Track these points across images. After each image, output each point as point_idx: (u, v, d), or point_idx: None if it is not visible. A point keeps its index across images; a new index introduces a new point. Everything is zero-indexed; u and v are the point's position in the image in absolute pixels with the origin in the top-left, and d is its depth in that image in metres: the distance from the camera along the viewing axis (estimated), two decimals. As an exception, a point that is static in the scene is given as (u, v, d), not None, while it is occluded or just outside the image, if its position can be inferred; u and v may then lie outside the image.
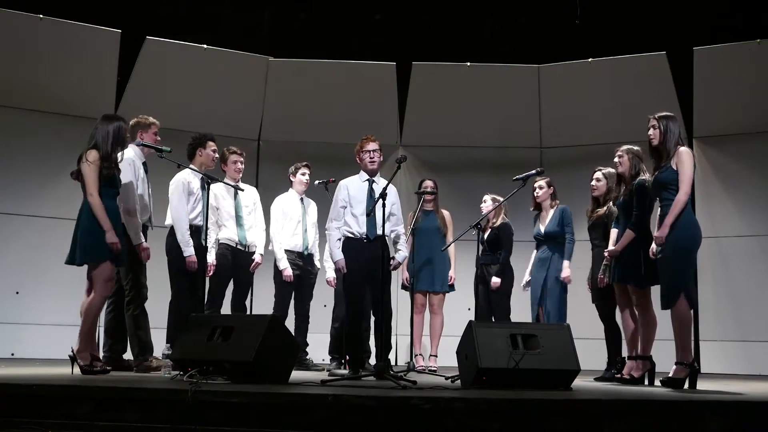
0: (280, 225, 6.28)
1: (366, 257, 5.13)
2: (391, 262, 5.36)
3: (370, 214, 5.07)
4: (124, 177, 4.93)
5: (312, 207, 6.50)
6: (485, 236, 6.31)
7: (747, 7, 7.84)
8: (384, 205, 4.88)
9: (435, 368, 6.09)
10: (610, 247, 5.18)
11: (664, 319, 4.79)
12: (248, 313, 6.68)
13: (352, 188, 5.37)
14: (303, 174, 6.42)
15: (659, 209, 4.67)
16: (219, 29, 8.43)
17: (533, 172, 5.56)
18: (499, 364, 4.01)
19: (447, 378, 4.81)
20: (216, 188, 5.67)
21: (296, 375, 4.58)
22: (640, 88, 7.82)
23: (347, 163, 5.99)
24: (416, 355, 6.32)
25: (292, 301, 6.30)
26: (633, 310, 5.13)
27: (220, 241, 5.80)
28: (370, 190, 5.33)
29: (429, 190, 6.39)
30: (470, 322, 4.25)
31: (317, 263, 6.44)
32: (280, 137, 8.33)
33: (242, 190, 5.86)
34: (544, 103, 8.37)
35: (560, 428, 3.19)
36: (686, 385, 4.44)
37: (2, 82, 7.28)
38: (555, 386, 4.09)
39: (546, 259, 6.01)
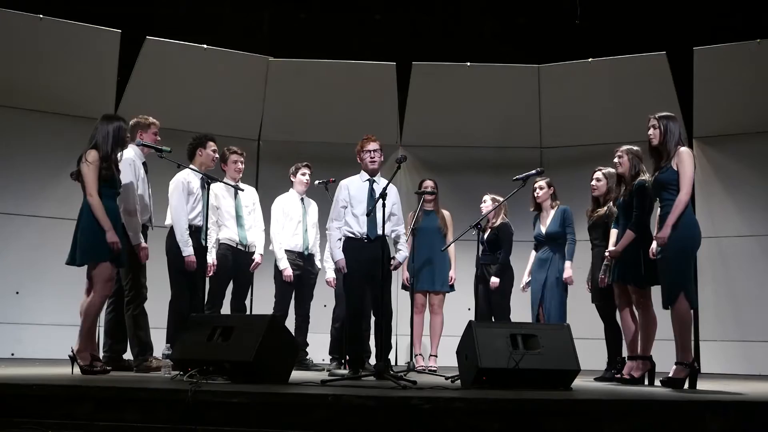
0: (281, 225, 6.28)
1: (366, 257, 5.13)
2: (392, 262, 5.35)
3: (371, 214, 5.07)
4: (124, 177, 4.93)
5: (313, 207, 6.50)
6: (485, 236, 6.31)
7: (747, 7, 7.84)
8: (384, 205, 4.88)
9: (435, 368, 6.09)
10: (610, 247, 5.18)
11: (664, 319, 4.79)
12: (248, 313, 6.68)
13: (353, 188, 5.37)
14: (303, 174, 6.42)
15: (659, 209, 4.67)
16: (219, 29, 8.44)
17: (533, 172, 5.56)
18: (499, 364, 4.01)
19: (447, 378, 4.82)
20: (216, 188, 5.67)
21: (296, 375, 4.58)
22: (640, 88, 7.83)
23: (347, 163, 5.99)
24: (416, 355, 6.32)
25: (293, 301, 6.30)
26: (633, 310, 5.13)
27: (221, 241, 5.80)
28: (371, 190, 5.33)
29: (429, 190, 6.39)
30: (470, 322, 4.25)
31: (318, 263, 6.44)
32: (280, 137, 8.33)
33: (242, 190, 5.86)
34: (544, 103, 8.37)
35: (560, 428, 3.18)
36: (686, 385, 4.44)
37: (2, 82, 7.28)
38: (555, 386, 4.09)
39: (546, 260, 6.01)
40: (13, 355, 6.92)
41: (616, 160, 5.17)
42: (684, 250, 4.51)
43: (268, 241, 6.21)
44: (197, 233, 5.40)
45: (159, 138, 5.45)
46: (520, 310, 6.45)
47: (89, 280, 4.69)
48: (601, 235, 5.58)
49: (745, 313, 7.47)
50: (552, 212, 6.07)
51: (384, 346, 5.07)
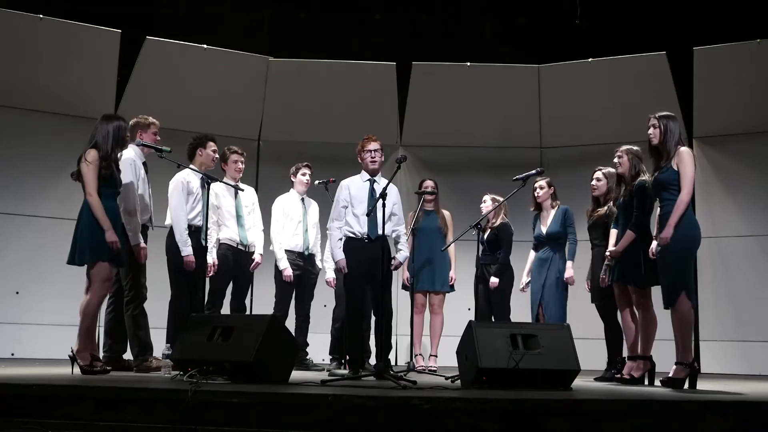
0: (281, 225, 6.28)
1: (367, 257, 5.13)
2: (392, 262, 5.35)
3: (371, 214, 5.06)
4: (125, 177, 4.93)
5: (313, 207, 6.49)
6: (485, 236, 6.31)
7: (747, 7, 7.84)
8: (384, 205, 4.88)
9: (435, 368, 6.09)
10: (610, 247, 5.18)
11: (664, 319, 4.79)
12: (248, 313, 6.68)
13: (354, 188, 5.37)
14: (303, 174, 6.42)
15: (659, 209, 4.67)
16: (219, 29, 8.43)
17: (533, 172, 5.56)
18: (499, 364, 4.01)
19: (447, 378, 4.81)
20: (217, 187, 5.67)
21: (296, 375, 4.58)
22: (640, 88, 7.83)
23: (347, 163, 5.99)
24: (416, 355, 6.32)
25: (293, 301, 6.30)
26: (633, 310, 5.13)
27: (221, 241, 5.79)
28: (372, 190, 5.33)
29: (429, 190, 6.39)
30: (470, 322, 4.25)
31: (318, 263, 6.44)
32: (280, 137, 8.33)
33: (242, 190, 5.86)
34: (544, 103, 8.37)
35: (560, 428, 3.18)
36: (686, 385, 4.44)
37: (2, 82, 7.28)
38: (555, 386, 4.10)
39: (547, 260, 6.01)
40: (13, 355, 6.92)
41: (616, 160, 5.17)
42: (685, 250, 4.51)
43: (267, 241, 6.21)
44: (197, 233, 5.40)
45: (159, 138, 5.45)
46: (520, 310, 6.45)
47: (89, 279, 4.69)
48: (601, 235, 5.58)
49: (745, 313, 7.47)
50: (552, 212, 6.07)
51: (384, 346, 5.07)
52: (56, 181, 7.10)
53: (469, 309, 6.61)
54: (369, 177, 5.40)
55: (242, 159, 6.00)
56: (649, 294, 4.97)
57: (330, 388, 3.71)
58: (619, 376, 5.13)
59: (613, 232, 5.28)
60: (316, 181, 6.52)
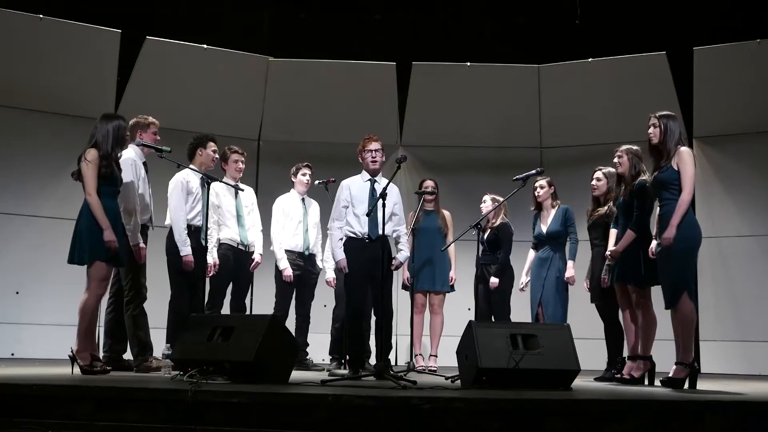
0: (281, 225, 6.29)
1: (367, 257, 5.13)
2: (393, 262, 5.35)
3: (370, 214, 5.06)
4: (125, 177, 4.93)
5: (314, 207, 6.49)
6: (485, 236, 6.31)
7: (747, 7, 7.84)
8: (384, 205, 4.88)
9: (435, 368, 6.09)
10: (611, 247, 5.18)
11: (664, 319, 4.79)
12: (248, 313, 6.68)
13: (354, 188, 5.37)
14: (304, 174, 6.42)
15: (658, 209, 4.67)
16: (219, 29, 8.43)
17: (533, 172, 5.56)
18: (499, 364, 4.01)
19: (447, 378, 4.81)
20: (217, 187, 5.67)
21: (296, 375, 4.58)
22: (640, 88, 7.83)
23: (347, 163, 5.99)
24: (416, 355, 6.32)
25: (293, 302, 6.30)
26: (634, 309, 5.13)
27: (222, 241, 5.78)
28: (372, 190, 5.33)
29: (429, 190, 6.39)
30: (470, 322, 4.25)
31: (319, 263, 6.44)
32: (280, 137, 8.33)
33: (242, 190, 5.86)
34: (544, 103, 8.37)
35: (560, 428, 3.18)
36: (686, 385, 4.44)
37: (2, 82, 7.28)
38: (555, 386, 4.10)
39: (547, 259, 6.01)
40: (13, 355, 6.92)
41: (615, 159, 5.17)
42: (686, 250, 4.51)
43: (267, 241, 6.21)
44: (197, 233, 5.39)
45: (159, 137, 5.45)
46: (520, 310, 6.45)
47: (88, 278, 4.69)
48: (601, 234, 5.58)
49: (745, 313, 7.47)
50: (553, 212, 6.07)
51: (384, 346, 5.07)
52: (56, 181, 7.11)
53: (469, 309, 6.61)
54: (370, 177, 5.40)
55: (243, 159, 6.00)
56: (649, 294, 4.97)
57: (330, 388, 3.71)
58: (619, 376, 5.13)
59: (613, 232, 5.28)
60: (316, 181, 6.52)
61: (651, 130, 4.67)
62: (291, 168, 6.51)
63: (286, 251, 6.21)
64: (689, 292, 4.47)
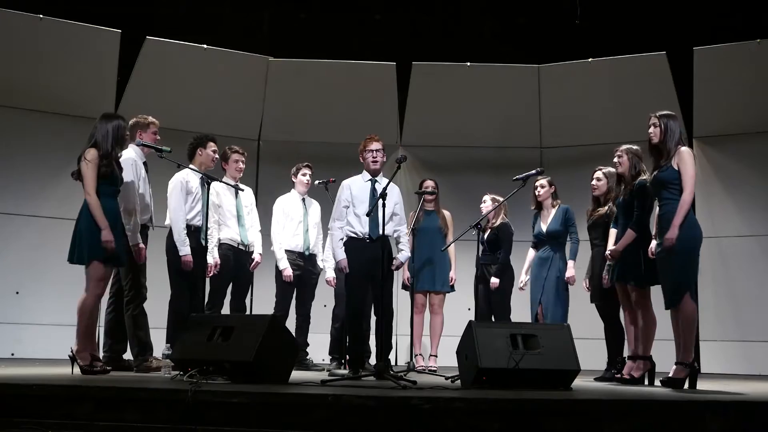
0: (281, 225, 6.29)
1: (368, 257, 5.13)
2: (394, 262, 5.35)
3: (370, 214, 5.06)
4: (126, 176, 4.93)
5: (314, 207, 6.49)
6: (485, 236, 6.31)
7: (747, 7, 7.84)
8: (384, 205, 4.88)
9: (435, 368, 6.09)
10: (610, 247, 5.18)
11: (664, 319, 4.79)
12: (248, 313, 6.68)
13: (355, 188, 5.37)
14: (304, 174, 6.42)
15: (658, 208, 4.67)
16: (219, 29, 8.43)
17: (533, 172, 5.57)
18: (499, 364, 4.01)
19: (447, 378, 4.81)
20: (217, 186, 5.67)
21: (296, 375, 4.58)
22: (640, 88, 7.83)
23: (347, 163, 5.99)
24: (416, 355, 6.32)
25: (294, 301, 6.30)
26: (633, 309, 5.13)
27: (222, 241, 5.77)
28: (373, 190, 5.33)
29: (430, 190, 6.39)
30: (470, 322, 4.25)
31: (319, 263, 6.44)
32: (280, 137, 8.33)
33: (242, 190, 5.86)
34: (544, 103, 8.37)
35: (560, 428, 3.18)
36: (686, 385, 4.44)
37: (2, 82, 7.28)
38: (555, 386, 4.09)
39: (547, 259, 6.00)
40: (13, 355, 6.92)
41: (615, 159, 5.17)
42: (688, 251, 4.51)
43: (266, 241, 6.21)
44: (196, 233, 5.39)
45: (159, 137, 5.45)
46: (520, 310, 6.45)
47: (87, 278, 4.68)
48: (601, 234, 5.58)
49: (745, 313, 7.48)
50: (553, 211, 6.07)
51: (384, 346, 5.07)
52: (56, 181, 7.11)
53: (469, 309, 6.61)
54: (370, 177, 5.40)
55: (243, 159, 6.00)
56: (649, 294, 4.98)
57: (330, 388, 3.71)
58: (619, 376, 5.13)
59: (613, 232, 5.28)
60: (316, 181, 6.51)
61: (651, 129, 4.68)
62: (291, 168, 6.51)
63: (287, 251, 6.21)
64: (692, 292, 4.48)
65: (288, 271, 6.16)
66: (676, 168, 4.54)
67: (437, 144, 8.45)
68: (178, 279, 5.42)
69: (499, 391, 3.86)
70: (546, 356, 4.10)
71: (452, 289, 6.39)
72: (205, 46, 7.98)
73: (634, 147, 5.15)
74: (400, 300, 6.82)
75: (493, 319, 6.23)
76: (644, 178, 4.97)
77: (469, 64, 8.30)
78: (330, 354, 6.49)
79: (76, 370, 4.56)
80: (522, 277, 6.23)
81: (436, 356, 6.29)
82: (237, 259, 5.83)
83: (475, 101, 8.36)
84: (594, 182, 5.72)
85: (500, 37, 8.69)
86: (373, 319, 5.39)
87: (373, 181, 5.38)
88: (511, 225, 6.43)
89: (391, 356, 6.39)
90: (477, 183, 7.54)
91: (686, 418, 3.28)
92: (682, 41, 7.85)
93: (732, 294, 7.58)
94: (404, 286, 6.42)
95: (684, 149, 4.59)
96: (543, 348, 4.12)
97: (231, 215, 5.84)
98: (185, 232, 5.38)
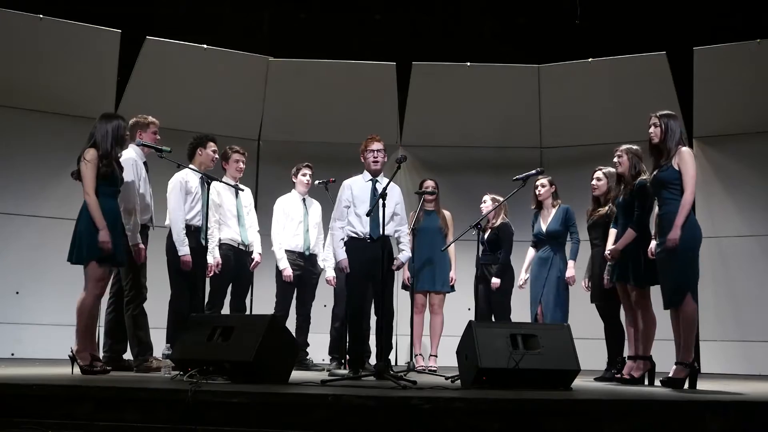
0: (282, 225, 6.29)
1: (368, 257, 5.13)
2: (394, 262, 5.36)
3: (370, 214, 5.06)
4: (126, 176, 4.93)
5: (315, 207, 6.49)
6: (485, 236, 6.31)
7: (747, 7, 7.84)
8: (384, 205, 4.88)
9: (435, 368, 6.09)
10: (610, 246, 5.17)
11: (664, 319, 4.79)
12: (248, 313, 6.68)
13: (356, 188, 5.37)
14: (304, 175, 6.42)
15: (658, 208, 4.67)
16: (219, 29, 8.44)
17: (533, 172, 5.57)
18: (499, 364, 4.01)
19: (447, 378, 4.81)
20: (218, 186, 5.67)
21: (296, 375, 4.57)
22: (640, 88, 7.83)
23: (347, 163, 5.99)
24: (416, 355, 6.32)
25: (294, 302, 6.30)
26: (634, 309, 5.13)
27: (222, 241, 5.77)
28: (374, 190, 5.33)
29: (430, 190, 6.39)
30: (470, 322, 4.25)
31: (320, 263, 6.44)
32: (280, 137, 8.33)
33: (242, 190, 5.87)
34: (544, 103, 8.37)
35: (560, 428, 3.18)
36: (686, 385, 4.44)
37: (2, 82, 7.28)
38: (555, 386, 4.10)
39: (547, 259, 6.00)
40: (13, 355, 6.92)
41: (615, 159, 5.17)
42: (688, 251, 4.51)
43: (266, 241, 6.21)
44: (196, 233, 5.39)
45: (159, 137, 5.45)
46: (520, 310, 6.45)
47: (86, 278, 4.68)
48: (601, 234, 5.58)
49: (745, 313, 7.47)
50: (553, 210, 6.07)
51: (384, 346, 5.07)
52: (56, 181, 7.10)
53: (469, 309, 6.60)
54: (371, 177, 5.40)
55: (243, 159, 6.00)
56: (648, 294, 4.98)
57: (330, 388, 3.71)
58: (619, 376, 5.13)
59: (613, 232, 5.28)
60: (316, 181, 6.51)
61: (652, 129, 4.68)
62: (291, 168, 6.51)
63: (287, 251, 6.21)
64: (693, 292, 4.48)
65: (288, 271, 6.16)
66: (677, 168, 4.54)
67: (437, 144, 8.45)
68: (178, 279, 5.42)
69: (499, 391, 3.86)
70: (546, 356, 4.10)
71: (452, 289, 6.39)
72: (205, 46, 7.98)
73: (634, 147, 5.15)
74: (400, 300, 6.82)
75: (493, 319, 6.23)
76: (644, 178, 4.97)
77: (469, 64, 8.30)
78: (330, 354, 6.49)
79: (76, 370, 4.56)
80: (522, 275, 6.23)
81: (436, 356, 6.29)
82: (237, 259, 5.83)
83: (475, 101, 8.35)
84: (594, 182, 5.72)
85: (500, 37, 8.69)
86: (373, 319, 5.39)
87: (374, 181, 5.38)
88: (512, 225, 6.43)
89: (391, 356, 6.38)
90: (477, 183, 7.54)
91: (686, 418, 3.28)
92: (682, 41, 7.85)
93: (732, 294, 7.58)
94: (404, 286, 6.42)
95: (684, 149, 4.60)
96: (543, 348, 4.12)
97: (231, 215, 5.84)
98: (184, 232, 5.38)
